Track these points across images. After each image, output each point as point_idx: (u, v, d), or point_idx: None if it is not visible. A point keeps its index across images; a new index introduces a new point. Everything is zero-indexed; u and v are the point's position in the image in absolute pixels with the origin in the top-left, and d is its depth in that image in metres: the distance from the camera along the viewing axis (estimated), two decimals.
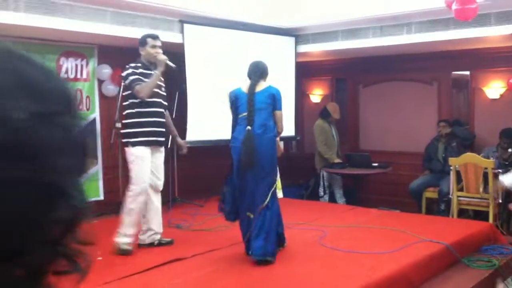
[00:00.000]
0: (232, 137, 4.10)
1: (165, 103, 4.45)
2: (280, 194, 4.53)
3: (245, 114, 4.01)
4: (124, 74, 4.27)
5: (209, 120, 6.34)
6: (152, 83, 4.18)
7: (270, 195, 3.95)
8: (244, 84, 4.17)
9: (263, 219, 3.91)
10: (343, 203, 6.98)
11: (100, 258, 3.83)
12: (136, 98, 4.19)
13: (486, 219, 5.56)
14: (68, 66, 5.83)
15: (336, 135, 7.28)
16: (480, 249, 4.63)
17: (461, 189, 5.86)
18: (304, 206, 6.38)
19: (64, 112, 0.51)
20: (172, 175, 6.05)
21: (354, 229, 5.01)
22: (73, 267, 0.50)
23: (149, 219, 4.38)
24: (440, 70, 7.10)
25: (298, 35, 6.98)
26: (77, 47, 5.90)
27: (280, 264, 3.93)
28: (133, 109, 4.23)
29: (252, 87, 4.06)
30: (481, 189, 5.67)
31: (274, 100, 4.03)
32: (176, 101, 6.03)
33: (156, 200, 4.42)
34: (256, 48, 6.53)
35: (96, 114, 6.09)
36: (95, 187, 6.05)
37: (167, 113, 4.55)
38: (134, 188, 4.18)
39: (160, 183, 4.44)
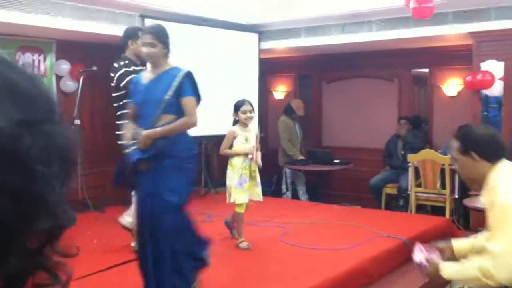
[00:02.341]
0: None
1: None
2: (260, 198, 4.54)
3: None
4: (116, 74, 3.97)
5: None
6: None
7: None
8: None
9: None
10: (306, 199, 7.03)
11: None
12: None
13: (443, 214, 5.71)
14: (24, 61, 5.66)
15: (300, 132, 7.32)
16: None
17: (419, 185, 5.99)
18: (267, 203, 6.36)
19: (48, 119, 0.49)
20: None
21: (315, 225, 5.05)
22: (53, 280, 0.49)
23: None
24: (400, 68, 7.23)
25: (261, 32, 6.97)
26: (34, 41, 5.75)
27: (241, 260, 3.94)
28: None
29: None
30: (438, 185, 5.82)
31: None
32: None
33: None
34: (219, 44, 6.49)
35: None
36: None
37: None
38: None
39: None
